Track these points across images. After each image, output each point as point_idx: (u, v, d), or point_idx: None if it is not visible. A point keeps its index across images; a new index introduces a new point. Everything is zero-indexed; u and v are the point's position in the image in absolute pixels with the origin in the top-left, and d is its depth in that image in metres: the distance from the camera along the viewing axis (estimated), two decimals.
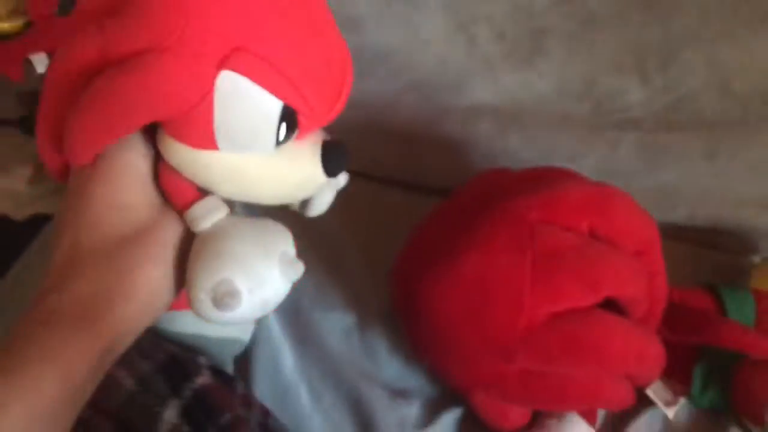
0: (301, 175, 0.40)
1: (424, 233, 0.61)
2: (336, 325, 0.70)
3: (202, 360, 0.52)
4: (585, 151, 0.77)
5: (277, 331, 0.67)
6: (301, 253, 0.41)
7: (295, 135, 0.38)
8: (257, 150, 0.37)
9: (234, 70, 0.34)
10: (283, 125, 0.36)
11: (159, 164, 0.39)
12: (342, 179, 0.48)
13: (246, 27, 0.34)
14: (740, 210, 0.75)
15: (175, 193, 0.39)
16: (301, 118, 0.37)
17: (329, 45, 0.38)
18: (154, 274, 0.37)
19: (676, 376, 0.62)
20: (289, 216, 0.80)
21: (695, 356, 0.62)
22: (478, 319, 0.52)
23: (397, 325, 0.68)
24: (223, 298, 0.35)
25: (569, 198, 0.55)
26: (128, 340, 0.37)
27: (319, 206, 0.48)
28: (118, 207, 0.37)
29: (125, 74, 0.33)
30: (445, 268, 0.54)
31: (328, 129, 0.43)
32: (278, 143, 0.37)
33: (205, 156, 0.37)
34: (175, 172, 0.38)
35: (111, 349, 0.36)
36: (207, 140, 0.36)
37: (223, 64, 0.34)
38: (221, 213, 0.39)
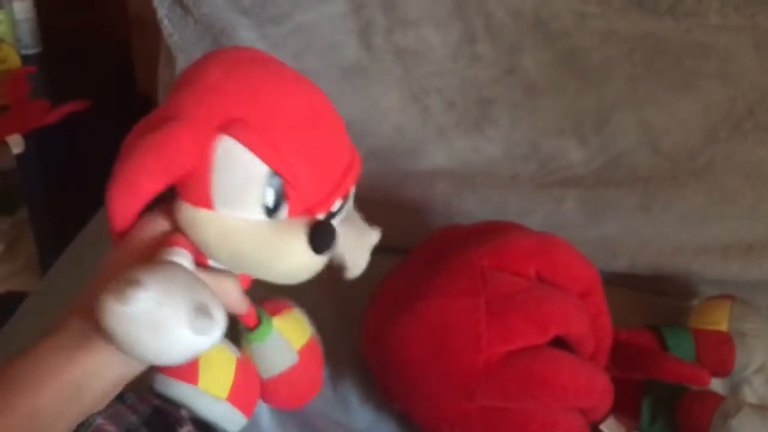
0: (287, 248, 0.42)
1: (388, 285, 0.66)
2: None
3: (184, 412, 0.56)
4: (533, 207, 0.83)
5: None
6: None
7: (285, 207, 0.42)
8: (247, 212, 0.41)
9: (231, 135, 0.40)
10: (270, 191, 0.41)
11: None
12: (374, 236, 0.53)
13: (247, 103, 0.41)
14: (677, 257, 0.82)
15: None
16: (289, 190, 0.41)
17: (330, 139, 0.44)
18: None
19: (626, 410, 0.67)
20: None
21: (642, 391, 0.67)
22: (441, 360, 0.57)
23: (368, 376, 0.72)
24: (204, 316, 0.36)
25: (516, 246, 0.60)
26: (98, 382, 0.40)
27: (356, 267, 0.52)
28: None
29: (144, 136, 0.40)
30: (408, 314, 0.59)
31: None
32: (268, 212, 0.41)
33: (203, 215, 0.41)
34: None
35: (82, 387, 0.39)
36: (204, 198, 0.41)
37: (222, 130, 0.40)
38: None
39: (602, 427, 0.66)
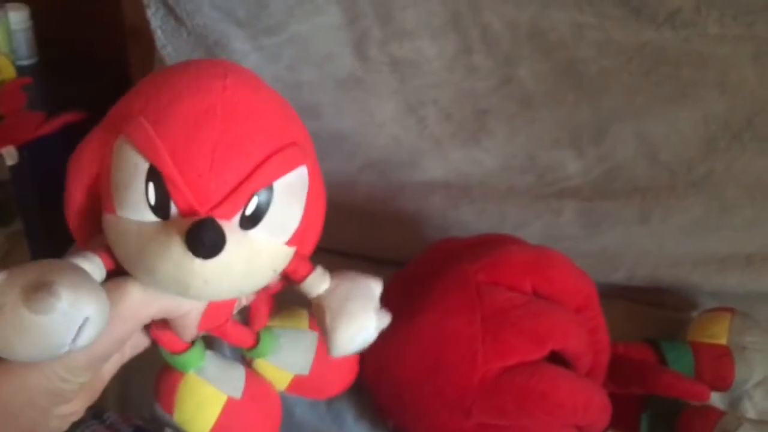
0: (163, 249, 0.38)
1: (383, 299, 0.65)
2: None
3: (168, 431, 0.55)
4: (530, 220, 0.83)
5: None
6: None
7: (172, 207, 0.38)
8: (138, 213, 0.38)
9: (122, 133, 0.39)
10: (151, 186, 0.38)
11: None
12: (377, 321, 0.46)
13: (147, 101, 0.39)
14: (675, 269, 0.81)
15: None
16: (171, 187, 0.38)
17: (232, 138, 0.39)
18: None
19: (625, 426, 0.66)
20: None
21: (641, 406, 0.66)
22: (436, 376, 0.56)
23: (362, 392, 0.71)
24: (38, 291, 0.34)
25: (512, 261, 0.60)
26: (20, 397, 0.39)
27: (337, 347, 0.44)
28: None
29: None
30: (403, 330, 0.58)
31: None
32: (155, 211, 0.38)
33: (108, 219, 0.40)
34: None
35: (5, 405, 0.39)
36: (109, 202, 0.40)
37: (119, 130, 0.39)
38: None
39: None
